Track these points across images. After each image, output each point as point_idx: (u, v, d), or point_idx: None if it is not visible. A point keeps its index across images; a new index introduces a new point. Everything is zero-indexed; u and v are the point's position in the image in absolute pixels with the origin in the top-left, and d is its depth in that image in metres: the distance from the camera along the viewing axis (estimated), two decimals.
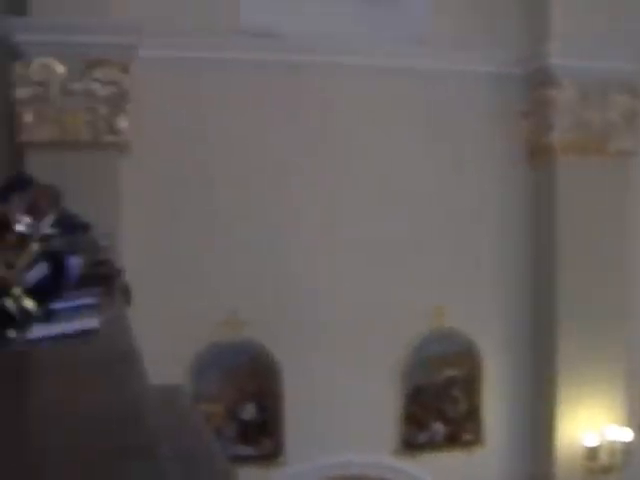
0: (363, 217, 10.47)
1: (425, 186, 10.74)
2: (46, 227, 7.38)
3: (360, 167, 10.51)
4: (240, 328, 10.14)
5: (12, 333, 5.71)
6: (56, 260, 7.08)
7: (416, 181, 10.69)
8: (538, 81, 10.91)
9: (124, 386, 2.34)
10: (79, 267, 6.58)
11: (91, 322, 3.68)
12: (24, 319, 5.95)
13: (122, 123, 9.44)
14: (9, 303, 5.98)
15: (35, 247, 7.02)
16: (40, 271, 6.73)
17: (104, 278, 6.90)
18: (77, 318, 4.01)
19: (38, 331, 3.68)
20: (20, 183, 8.14)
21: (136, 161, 9.63)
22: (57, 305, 4.85)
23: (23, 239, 6.93)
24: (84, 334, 3.47)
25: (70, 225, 7.85)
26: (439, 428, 11.09)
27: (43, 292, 6.36)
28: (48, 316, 4.43)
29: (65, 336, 3.50)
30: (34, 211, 7.81)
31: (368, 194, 10.52)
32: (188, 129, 10.00)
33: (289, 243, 10.27)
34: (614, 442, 10.95)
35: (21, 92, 9.31)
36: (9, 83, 9.36)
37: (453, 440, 11.16)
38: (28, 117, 9.32)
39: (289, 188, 10.31)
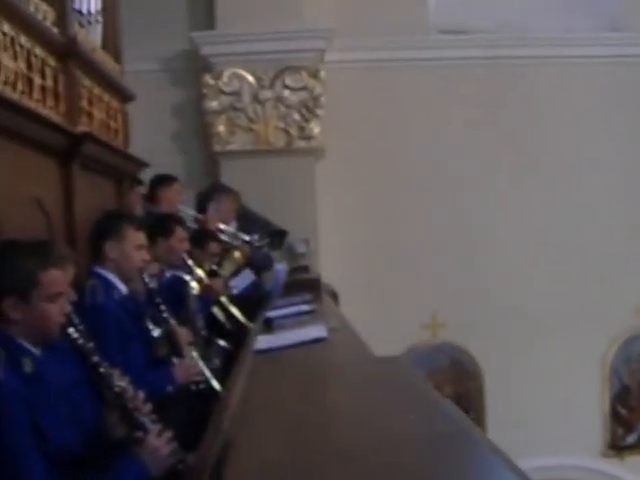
0: (567, 212, 10.04)
1: (635, 179, 10.23)
2: (244, 235, 7.48)
3: (564, 161, 10.05)
4: (439, 330, 9.98)
5: (222, 342, 5.78)
6: (261, 268, 7.16)
7: (625, 173, 10.18)
8: None
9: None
10: (285, 274, 6.61)
11: (318, 330, 3.56)
12: (235, 328, 6.01)
13: (315, 128, 9.43)
14: (217, 312, 6.06)
15: (237, 255, 7.12)
16: (246, 279, 6.81)
17: (308, 284, 6.91)
18: (299, 326, 3.92)
19: (264, 342, 3.60)
20: (215, 193, 8.28)
21: (330, 166, 9.59)
22: (272, 314, 4.83)
23: (225, 247, 7.04)
24: (314, 343, 3.35)
25: (268, 233, 7.92)
26: None
27: (251, 300, 6.43)
28: (267, 325, 4.41)
29: (293, 345, 3.39)
30: (230, 220, 7.91)
31: (571, 187, 10.09)
32: (381, 131, 9.84)
33: (487, 243, 9.97)
34: None
35: (213, 103, 9.46)
36: (201, 95, 9.52)
37: None
38: (221, 127, 9.45)
39: (487, 186, 10.01)
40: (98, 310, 4.05)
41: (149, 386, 3.46)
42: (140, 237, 4.51)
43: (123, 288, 4.41)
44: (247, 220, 8.28)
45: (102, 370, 3.22)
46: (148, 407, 3.25)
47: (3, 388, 2.78)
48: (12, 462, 2.74)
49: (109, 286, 4.33)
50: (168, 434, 3.18)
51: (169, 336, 4.66)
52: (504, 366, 9.87)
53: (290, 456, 1.88)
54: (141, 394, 3.26)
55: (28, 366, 2.94)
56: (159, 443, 3.13)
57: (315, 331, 3.60)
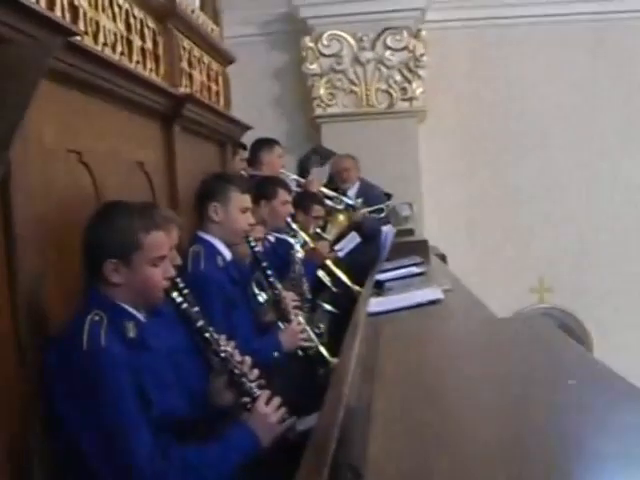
0: None
1: None
2: (349, 198, 7.35)
3: None
4: (546, 295, 9.75)
5: (328, 306, 5.66)
6: (367, 230, 7.02)
7: None
8: None
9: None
10: (392, 237, 6.47)
11: (433, 292, 3.42)
12: (341, 292, 5.89)
13: (417, 89, 9.30)
14: (323, 275, 5.94)
15: (341, 218, 6.99)
16: (352, 242, 6.68)
17: (415, 247, 6.76)
18: (410, 289, 3.78)
19: (377, 304, 3.48)
20: (319, 156, 8.16)
21: (432, 127, 9.46)
22: (382, 276, 4.70)
23: (329, 210, 6.92)
24: (429, 305, 3.20)
25: (372, 195, 7.78)
26: None
27: (357, 263, 6.30)
28: (377, 288, 4.28)
29: (407, 308, 3.25)
30: (335, 182, 7.79)
31: None
32: (483, 92, 9.63)
33: (593, 208, 9.67)
34: None
35: (313, 66, 9.41)
36: (300, 58, 9.45)
37: None
38: (321, 90, 9.40)
39: (593, 148, 9.69)
40: (200, 278, 3.94)
41: (256, 353, 3.35)
42: (246, 200, 4.38)
43: (227, 253, 4.30)
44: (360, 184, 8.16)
45: (207, 335, 3.13)
46: (255, 373, 3.14)
47: (105, 354, 2.69)
48: (117, 429, 2.66)
49: (213, 252, 4.22)
50: (277, 400, 3.07)
51: (275, 301, 4.57)
52: (612, 334, 9.54)
53: (421, 427, 1.69)
54: (248, 359, 3.16)
55: (132, 331, 2.84)
56: (268, 410, 3.03)
57: (430, 293, 3.45)
